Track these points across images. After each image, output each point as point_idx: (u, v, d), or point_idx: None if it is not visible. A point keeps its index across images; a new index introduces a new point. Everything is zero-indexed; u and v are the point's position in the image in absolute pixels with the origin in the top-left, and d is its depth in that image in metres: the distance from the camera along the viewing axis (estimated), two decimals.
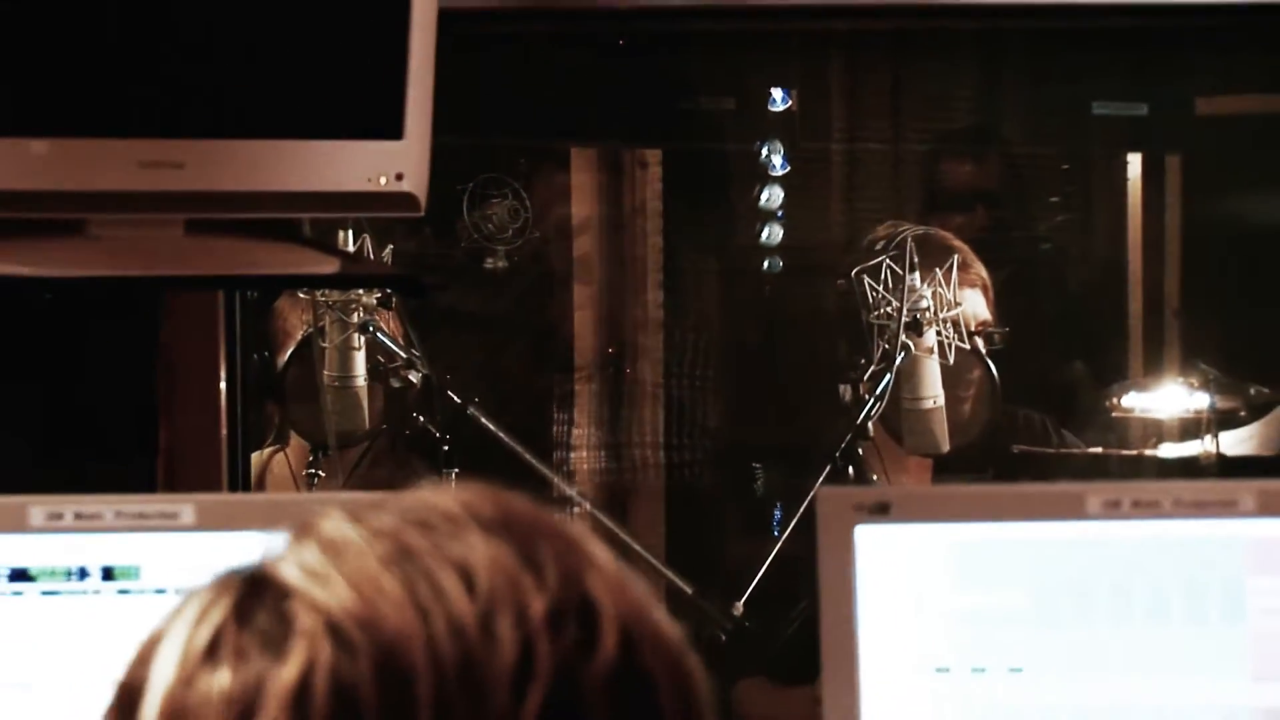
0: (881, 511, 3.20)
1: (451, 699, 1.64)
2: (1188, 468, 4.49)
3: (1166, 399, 4.51)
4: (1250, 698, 3.17)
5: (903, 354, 3.98)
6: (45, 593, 3.08)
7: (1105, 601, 3.22)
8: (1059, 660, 3.23)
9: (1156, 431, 4.45)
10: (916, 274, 3.95)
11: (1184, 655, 3.19)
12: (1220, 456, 4.49)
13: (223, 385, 4.04)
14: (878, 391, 4.00)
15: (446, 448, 4.03)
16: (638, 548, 4.39)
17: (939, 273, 4.00)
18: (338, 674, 1.64)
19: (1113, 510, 3.15)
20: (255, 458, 4.24)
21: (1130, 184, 4.83)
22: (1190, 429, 4.42)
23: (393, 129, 3.65)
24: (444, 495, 1.69)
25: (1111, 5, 4.13)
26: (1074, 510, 3.18)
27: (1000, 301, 4.21)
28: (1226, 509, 3.17)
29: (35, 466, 3.34)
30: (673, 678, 1.76)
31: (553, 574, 1.68)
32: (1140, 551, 3.15)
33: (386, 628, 1.65)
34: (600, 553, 1.73)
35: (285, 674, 1.64)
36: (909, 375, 4.02)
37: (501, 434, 3.95)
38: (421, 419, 4.04)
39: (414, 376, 3.99)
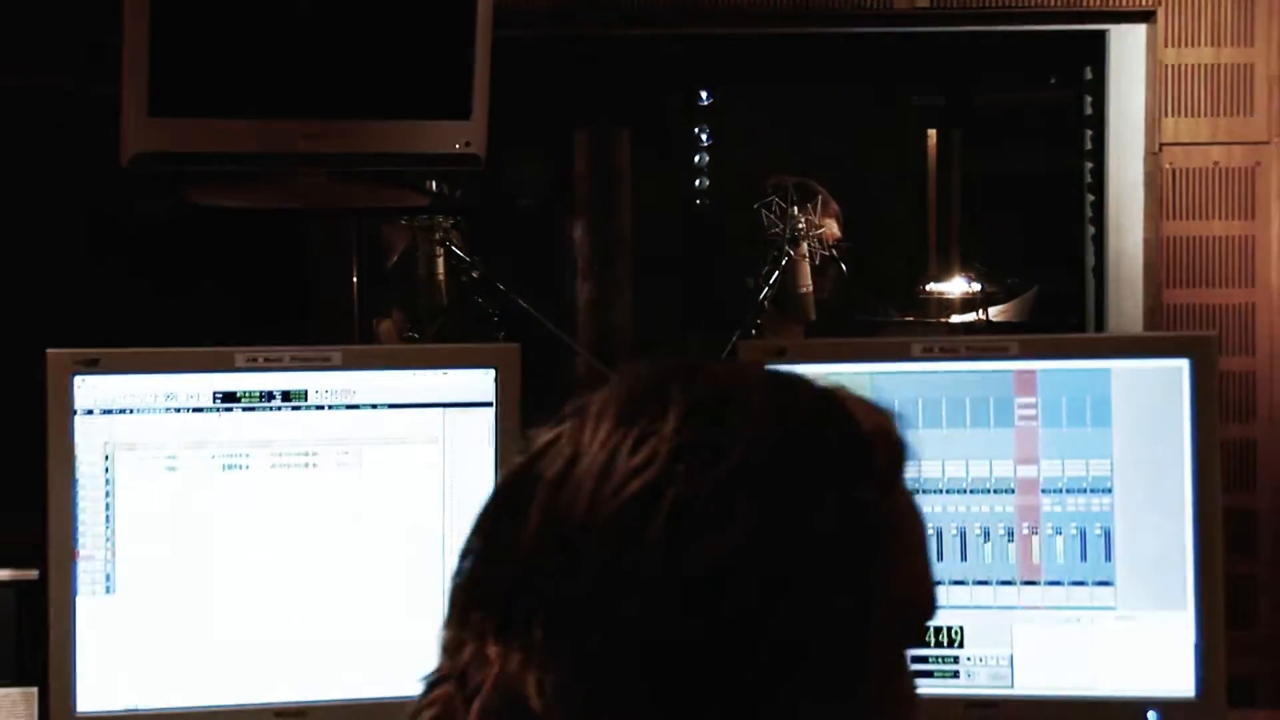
0: (781, 357, 3.29)
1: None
2: (969, 329, 4.52)
3: (954, 286, 4.58)
4: (1014, 472, 3.22)
5: (786, 258, 4.05)
6: (245, 408, 3.11)
7: (923, 414, 3.24)
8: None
9: (949, 307, 4.51)
10: (795, 207, 4.03)
11: (976, 447, 3.21)
12: (988, 321, 4.54)
13: (354, 279, 4.08)
14: (770, 282, 4.07)
15: (496, 319, 4.08)
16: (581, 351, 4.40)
17: (810, 206, 4.09)
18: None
19: (927, 354, 3.21)
20: (376, 324, 4.28)
21: (930, 149, 4.82)
22: (969, 305, 4.48)
23: (464, 112, 3.72)
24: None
25: (924, 31, 4.22)
26: (902, 354, 3.23)
27: (847, 225, 4.27)
28: (1000, 352, 3.23)
29: (241, 327, 3.40)
30: None
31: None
32: (945, 381, 3.19)
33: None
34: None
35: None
36: (790, 271, 4.08)
37: (530, 308, 4.00)
38: (480, 300, 4.08)
39: (475, 274, 4.02)
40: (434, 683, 1.66)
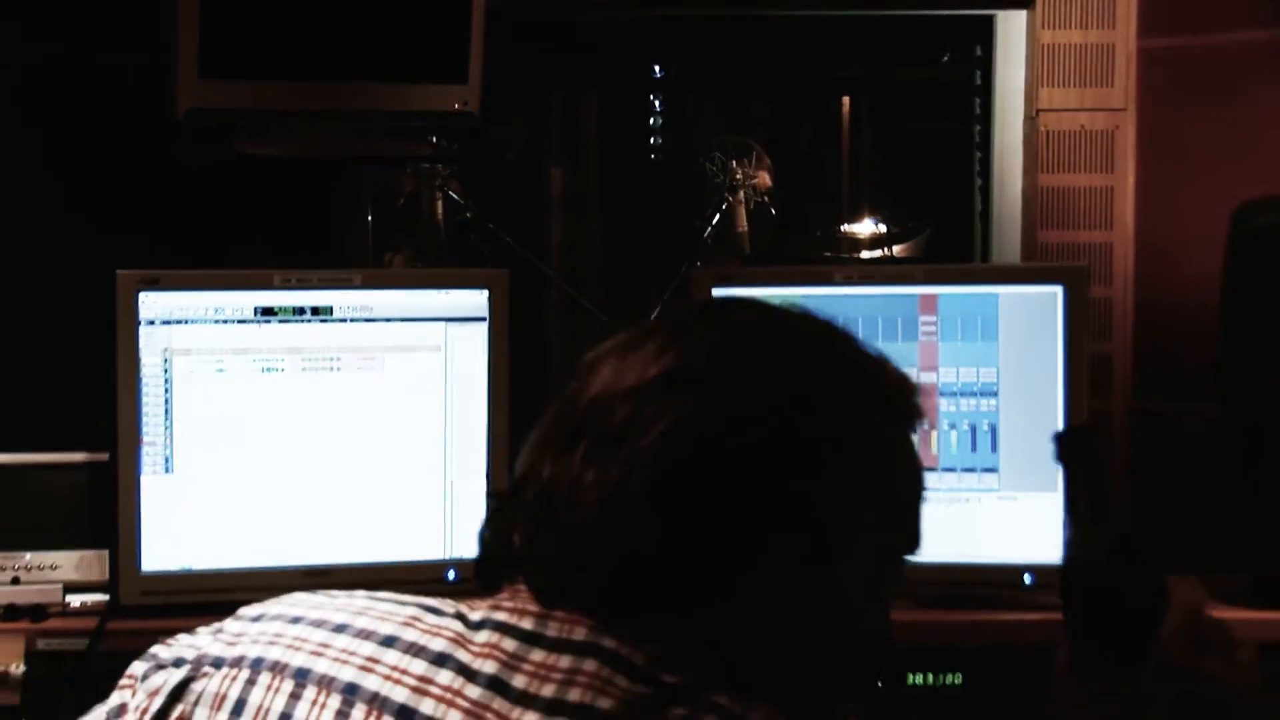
0: (727, 281, 3.29)
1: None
2: (877, 262, 4.52)
3: (864, 227, 4.57)
4: (917, 378, 3.17)
5: (725, 203, 4.05)
6: (280, 321, 3.11)
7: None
8: None
9: (860, 244, 4.50)
10: (734, 161, 4.03)
11: (896, 359, 3.21)
12: (892, 256, 4.53)
13: (369, 218, 4.07)
14: (713, 223, 4.06)
15: (486, 253, 4.08)
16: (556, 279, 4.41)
17: (746, 161, 4.08)
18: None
19: (847, 280, 3.23)
20: (387, 256, 4.28)
21: (844, 114, 4.83)
22: (876, 242, 4.48)
23: (462, 78, 3.72)
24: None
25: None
26: (826, 280, 3.25)
27: (776, 176, 4.25)
28: (908, 279, 3.23)
29: (273, 255, 3.39)
30: None
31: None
32: (861, 302, 3.19)
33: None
34: None
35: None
36: (728, 214, 4.07)
37: (514, 244, 3.99)
38: (473, 236, 4.07)
39: (469, 214, 4.02)
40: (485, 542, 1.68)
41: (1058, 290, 3.23)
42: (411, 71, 3.78)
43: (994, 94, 4.40)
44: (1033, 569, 3.21)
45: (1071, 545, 1.88)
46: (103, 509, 3.15)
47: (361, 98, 3.74)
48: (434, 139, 3.97)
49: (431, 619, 1.62)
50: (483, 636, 1.57)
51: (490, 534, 1.67)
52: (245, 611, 1.72)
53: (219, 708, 1.61)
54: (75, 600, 3.14)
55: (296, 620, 1.66)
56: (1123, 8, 4.21)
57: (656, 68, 4.95)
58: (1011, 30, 4.33)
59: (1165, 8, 4.21)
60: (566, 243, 4.64)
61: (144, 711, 1.65)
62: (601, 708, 1.49)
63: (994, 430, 3.23)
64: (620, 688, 1.50)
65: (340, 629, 1.63)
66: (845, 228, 4.12)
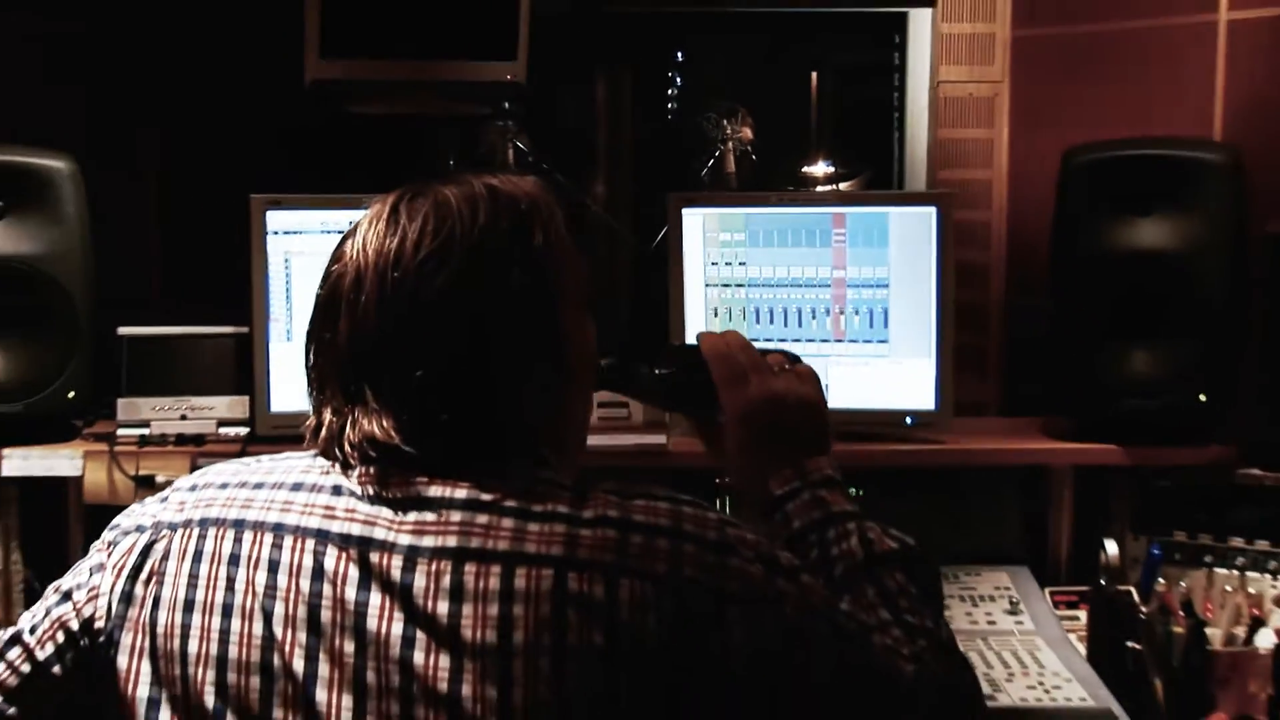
0: (693, 203, 3.27)
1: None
2: (800, 189, 4.50)
3: (820, 169, 4.52)
4: (831, 274, 3.18)
5: (718, 151, 4.03)
6: None
7: (779, 239, 3.23)
8: (765, 267, 3.28)
9: (817, 181, 4.44)
10: (725, 120, 4.01)
11: (810, 259, 3.20)
12: (840, 191, 4.50)
13: (450, 163, 4.05)
14: (710, 166, 4.03)
15: None
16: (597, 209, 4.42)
17: (734, 120, 4.06)
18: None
19: (781, 202, 3.22)
20: None
21: (812, 84, 4.82)
22: (829, 180, 4.43)
23: (511, 55, 3.66)
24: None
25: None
26: (765, 202, 3.22)
27: (757, 132, 4.21)
28: (823, 202, 3.28)
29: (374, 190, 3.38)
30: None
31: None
32: (792, 218, 3.20)
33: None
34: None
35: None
36: (720, 160, 4.04)
37: (568, 183, 3.96)
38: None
39: (531, 159, 4.00)
40: (314, 430, 1.65)
41: (932, 210, 3.21)
42: (475, 51, 3.70)
43: (908, 70, 4.40)
44: (911, 413, 3.22)
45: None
46: (245, 366, 3.19)
47: (437, 70, 3.69)
48: (506, 104, 3.91)
49: (321, 463, 1.63)
50: (356, 472, 1.59)
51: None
52: (182, 483, 1.73)
53: (183, 559, 1.63)
54: (225, 431, 3.17)
55: (224, 486, 1.68)
56: (1000, 6, 4.21)
57: (678, 52, 4.88)
58: (920, 23, 4.34)
59: (1030, 6, 4.20)
60: (608, 181, 4.63)
61: (120, 568, 1.67)
62: (454, 496, 1.56)
63: (885, 313, 3.22)
64: (461, 482, 1.57)
65: (258, 486, 1.65)
66: (805, 169, 4.07)
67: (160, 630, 1.61)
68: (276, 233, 3.15)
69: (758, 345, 1.95)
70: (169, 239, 4.08)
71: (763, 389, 1.86)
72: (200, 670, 1.56)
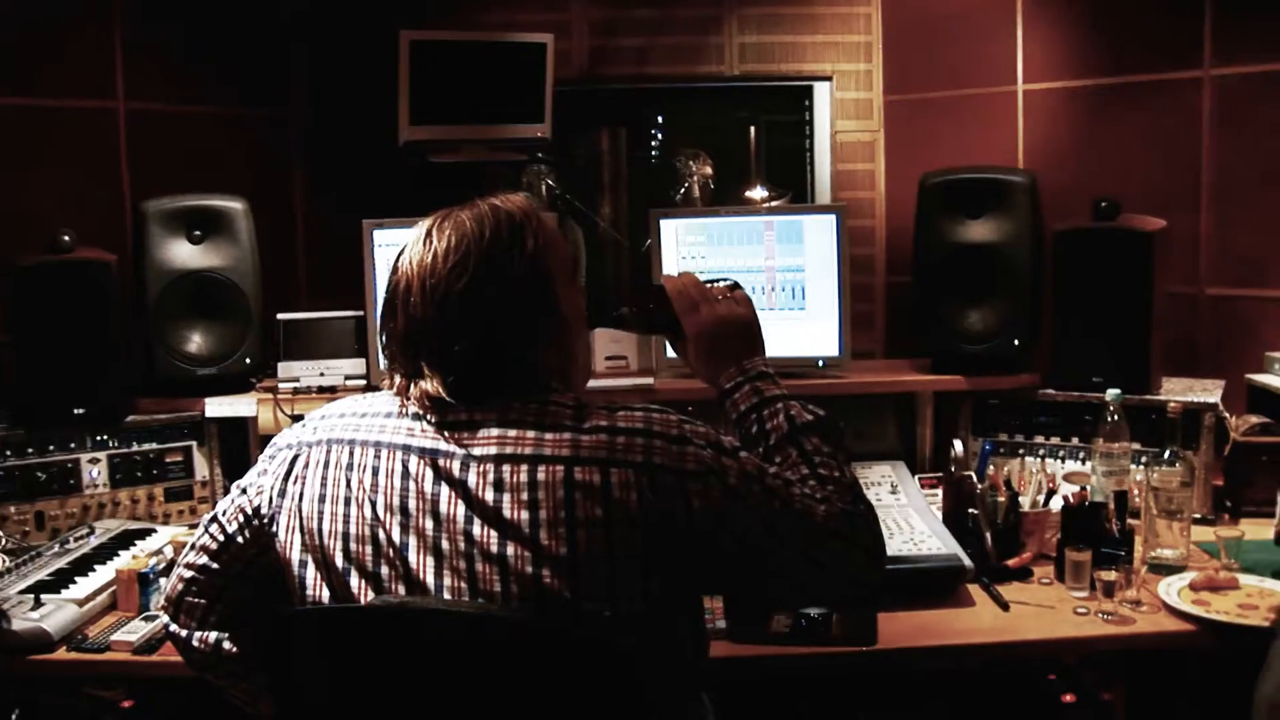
0: (667, 216, 3.22)
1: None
2: (742, 204, 4.48)
3: (758, 193, 4.44)
4: (763, 262, 3.11)
5: (687, 184, 3.98)
6: None
7: (733, 238, 3.15)
8: (719, 259, 3.22)
9: (755, 201, 4.40)
10: (691, 162, 3.95)
11: (751, 253, 3.10)
12: (770, 205, 4.46)
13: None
14: (681, 193, 3.98)
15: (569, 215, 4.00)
16: (604, 225, 4.40)
17: (698, 161, 4.01)
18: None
19: (730, 214, 3.18)
20: None
21: (751, 137, 4.80)
22: (765, 200, 4.38)
23: (540, 119, 3.68)
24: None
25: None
26: (717, 214, 3.14)
27: (716, 169, 4.17)
28: (759, 212, 3.17)
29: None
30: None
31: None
32: (739, 225, 3.09)
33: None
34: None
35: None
36: (689, 189, 3.99)
37: (587, 210, 3.92)
38: (561, 205, 3.96)
39: (558, 192, 3.95)
40: (391, 385, 1.66)
41: (833, 217, 3.19)
42: (513, 116, 3.72)
43: (814, 124, 4.37)
44: (822, 358, 3.20)
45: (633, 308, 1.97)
46: (361, 339, 3.18)
47: (490, 132, 3.71)
48: (539, 155, 3.89)
49: (398, 398, 1.64)
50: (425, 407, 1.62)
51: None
52: (314, 414, 1.75)
53: (316, 466, 1.66)
54: (350, 383, 3.16)
55: (341, 415, 1.69)
56: (876, 80, 4.20)
57: (659, 117, 4.85)
58: (822, 92, 4.31)
59: (896, 80, 4.19)
60: (612, 207, 4.60)
61: (277, 474, 1.71)
62: (491, 418, 1.57)
63: (803, 290, 3.20)
64: (496, 406, 1.57)
65: (363, 415, 1.66)
66: (747, 194, 4.07)
67: (305, 514, 1.64)
68: (380, 245, 3.13)
69: (707, 278, 1.95)
70: (310, 254, 4.08)
71: (710, 313, 1.86)
72: (331, 541, 1.60)
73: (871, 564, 1.61)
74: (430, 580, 1.53)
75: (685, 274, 1.92)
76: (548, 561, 1.47)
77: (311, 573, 1.62)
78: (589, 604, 1.47)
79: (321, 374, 3.16)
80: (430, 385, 1.57)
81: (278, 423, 3.03)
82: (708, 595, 1.62)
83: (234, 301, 3.16)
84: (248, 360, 3.17)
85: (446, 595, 1.52)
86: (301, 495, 1.65)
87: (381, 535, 1.56)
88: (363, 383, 3.15)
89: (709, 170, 4.10)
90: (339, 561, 1.58)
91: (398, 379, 1.63)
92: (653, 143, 4.84)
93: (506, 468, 1.51)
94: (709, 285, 1.92)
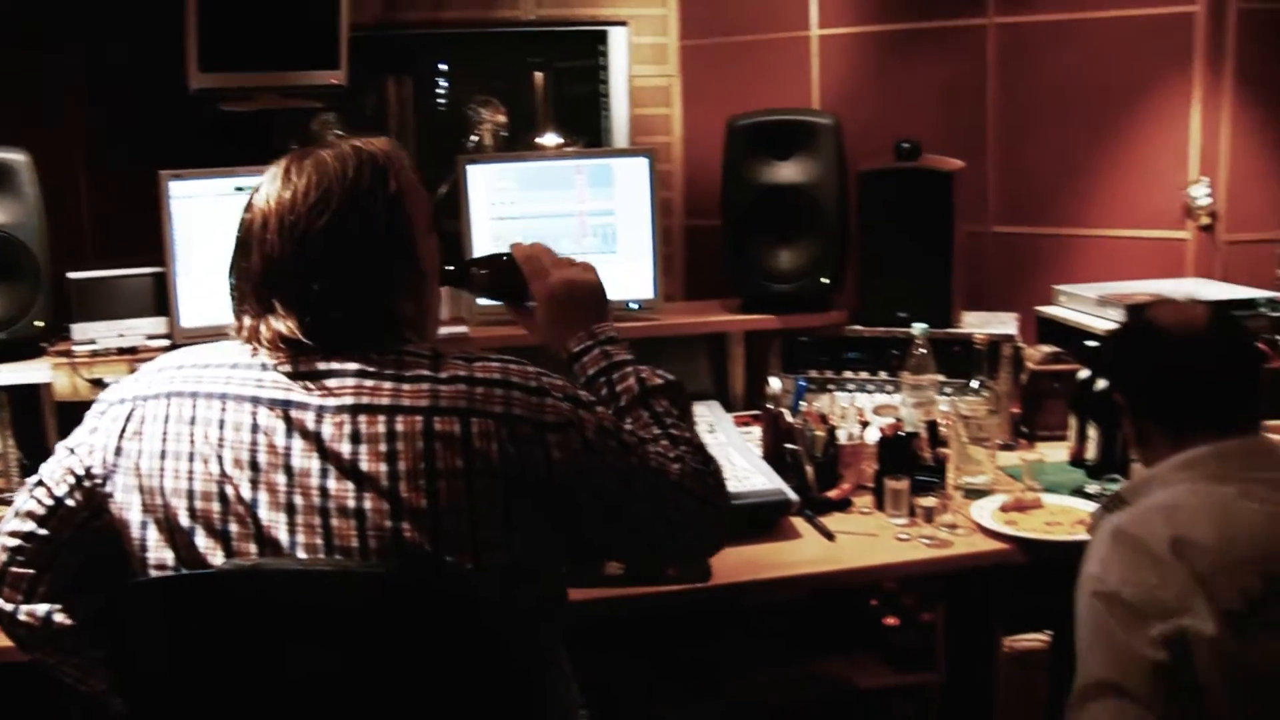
0: (475, 161, 3.16)
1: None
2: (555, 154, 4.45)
3: (550, 139, 4.41)
4: (577, 208, 3.08)
5: (479, 132, 3.91)
6: (246, 191, 2.91)
7: (544, 182, 3.08)
8: (531, 205, 3.20)
9: (546, 148, 4.36)
10: (483, 109, 3.88)
11: (563, 197, 3.07)
12: (580, 149, 4.43)
13: (290, 146, 3.89)
14: (474, 141, 3.91)
15: None
16: None
17: (490, 109, 3.93)
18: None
19: (537, 157, 3.13)
20: None
21: (538, 82, 4.77)
22: (558, 146, 4.35)
23: (335, 65, 3.57)
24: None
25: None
26: (523, 159, 3.09)
27: (509, 116, 4.11)
28: (569, 155, 3.15)
29: (243, 161, 3.19)
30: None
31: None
32: (550, 168, 3.02)
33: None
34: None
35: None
36: (482, 135, 3.90)
37: None
38: None
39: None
40: (238, 331, 1.59)
41: (645, 160, 3.17)
42: (308, 62, 3.60)
43: (611, 68, 4.35)
44: (636, 300, 3.20)
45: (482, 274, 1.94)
46: (161, 296, 3.01)
47: (285, 78, 3.58)
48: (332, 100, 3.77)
49: (249, 349, 1.58)
50: (274, 358, 1.56)
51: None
52: (149, 366, 1.65)
53: (155, 421, 1.56)
54: (151, 343, 2.99)
55: (180, 367, 1.60)
56: (671, 25, 4.20)
57: (442, 65, 4.75)
58: (618, 37, 4.30)
59: (691, 25, 4.20)
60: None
61: (110, 430, 1.61)
62: (347, 368, 1.51)
63: (615, 233, 3.18)
64: (353, 357, 1.52)
65: (205, 365, 1.58)
66: (538, 140, 4.02)
67: (144, 472, 1.55)
68: (178, 198, 2.95)
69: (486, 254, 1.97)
70: (95, 209, 3.87)
71: (560, 277, 1.85)
72: (175, 499, 1.51)
73: (720, 522, 1.63)
74: (283, 537, 1.47)
75: (536, 244, 1.91)
76: (407, 514, 1.43)
77: (153, 534, 1.53)
78: (451, 557, 1.43)
79: (121, 335, 2.98)
80: (284, 325, 1.51)
81: (75, 389, 2.85)
82: (563, 551, 1.59)
83: (20, 261, 2.91)
84: (38, 323, 2.95)
85: (301, 553, 1.46)
86: (140, 452, 1.56)
87: (230, 491, 1.49)
88: (166, 342, 2.97)
89: (501, 118, 4.04)
90: (183, 520, 1.51)
91: (247, 321, 1.56)
92: (439, 91, 4.76)
93: (363, 418, 1.46)
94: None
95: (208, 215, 2.94)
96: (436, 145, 4.23)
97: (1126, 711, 1.44)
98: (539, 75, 4.31)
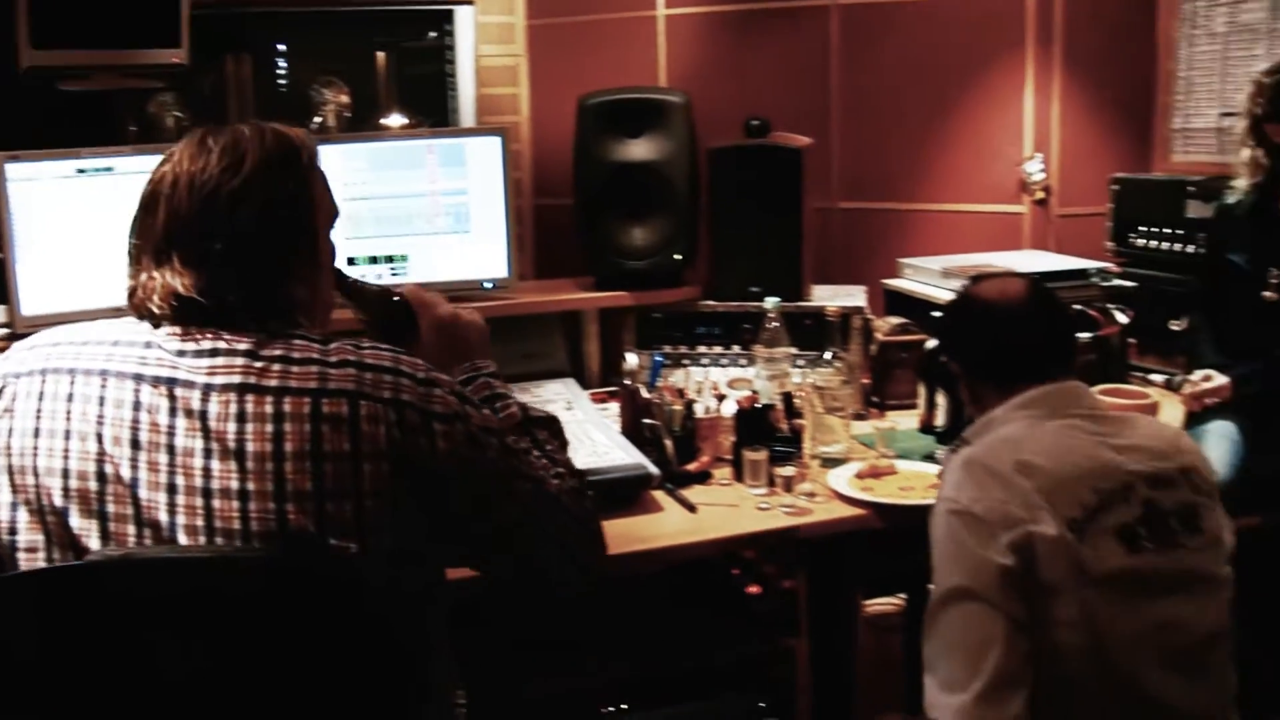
0: (328, 141, 3.12)
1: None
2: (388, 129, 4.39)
3: (395, 120, 4.36)
4: (428, 188, 3.05)
5: (323, 113, 3.85)
6: (88, 175, 2.77)
7: (395, 162, 3.05)
8: (382, 185, 3.17)
9: (391, 129, 4.30)
10: (326, 89, 3.81)
11: (412, 178, 3.03)
12: (431, 129, 4.38)
13: (132, 127, 3.78)
14: (316, 122, 3.85)
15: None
16: None
17: (333, 88, 3.88)
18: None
19: (387, 137, 3.09)
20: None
21: (380, 62, 4.70)
22: (405, 129, 4.29)
23: (177, 44, 3.46)
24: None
25: None
26: (374, 139, 3.05)
27: (353, 96, 4.04)
28: (420, 135, 3.11)
29: (82, 143, 3.06)
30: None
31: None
32: (402, 150, 3.00)
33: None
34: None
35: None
36: (325, 115, 3.87)
37: None
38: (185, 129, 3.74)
39: (183, 119, 3.72)
40: (130, 293, 1.57)
41: (498, 139, 3.15)
42: (150, 41, 3.47)
43: (457, 47, 4.29)
44: (490, 279, 3.17)
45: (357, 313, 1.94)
46: (0, 285, 2.89)
47: (124, 56, 3.46)
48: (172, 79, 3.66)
49: (133, 324, 1.56)
50: (163, 329, 1.53)
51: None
52: (21, 344, 1.61)
53: (29, 399, 1.52)
54: None
55: (56, 344, 1.57)
56: (518, 4, 4.19)
57: (281, 43, 4.62)
58: (464, 16, 4.25)
59: (539, 4, 4.19)
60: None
61: None
62: (236, 347, 1.50)
63: (468, 213, 3.15)
64: (242, 337, 1.51)
65: (84, 342, 1.55)
66: (382, 121, 3.96)
67: (14, 451, 1.50)
68: (14, 180, 2.82)
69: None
70: None
71: (449, 309, 1.91)
72: (49, 479, 1.47)
73: (596, 550, 1.70)
74: (163, 518, 1.44)
75: (419, 286, 1.98)
76: (292, 496, 1.42)
77: (23, 516, 1.48)
78: (336, 540, 1.42)
79: None
80: (180, 282, 1.50)
81: None
82: (441, 552, 1.60)
83: None
84: None
85: (182, 535, 1.43)
86: (11, 431, 1.51)
87: (109, 470, 1.45)
88: (5, 330, 2.86)
89: (345, 99, 3.98)
90: (56, 500, 1.46)
91: (142, 279, 1.54)
92: (279, 71, 4.65)
93: (250, 398, 1.44)
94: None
95: (48, 198, 2.83)
96: (226, 123, 4.12)
97: (979, 612, 1.62)
98: (381, 55, 4.25)
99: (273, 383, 1.45)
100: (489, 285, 3.16)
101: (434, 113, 4.36)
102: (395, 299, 1.92)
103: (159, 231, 1.53)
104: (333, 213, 1.68)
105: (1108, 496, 1.68)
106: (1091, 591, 1.64)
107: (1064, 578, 1.63)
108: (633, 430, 2.71)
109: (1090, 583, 1.64)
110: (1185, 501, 1.72)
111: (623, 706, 2.47)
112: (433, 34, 4.55)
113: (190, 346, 1.49)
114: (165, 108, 3.81)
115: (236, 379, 1.46)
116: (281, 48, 4.57)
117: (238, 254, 1.52)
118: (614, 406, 2.95)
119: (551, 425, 1.81)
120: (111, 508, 1.45)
